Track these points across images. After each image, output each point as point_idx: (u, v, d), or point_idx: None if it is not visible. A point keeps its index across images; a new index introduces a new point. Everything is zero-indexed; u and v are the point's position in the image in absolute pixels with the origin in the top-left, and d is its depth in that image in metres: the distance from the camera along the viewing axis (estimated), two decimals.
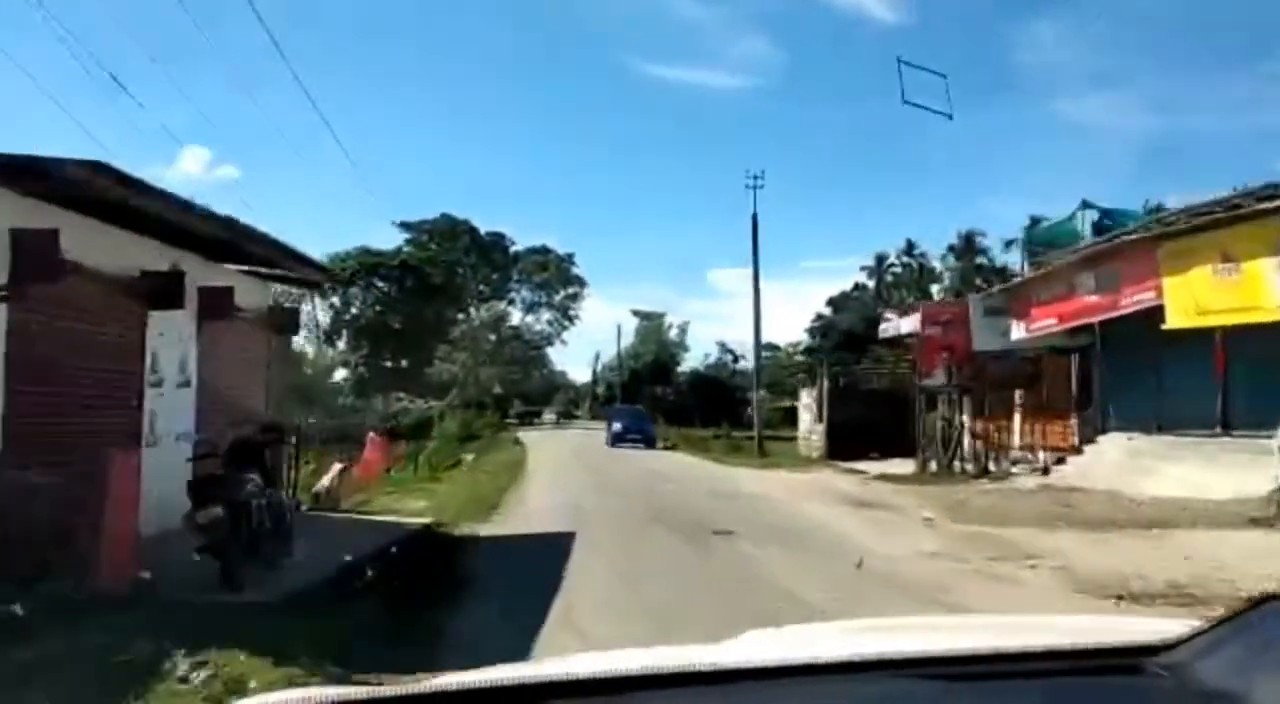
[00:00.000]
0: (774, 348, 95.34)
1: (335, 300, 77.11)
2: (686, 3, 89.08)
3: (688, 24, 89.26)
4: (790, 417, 48.67)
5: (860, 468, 26.23)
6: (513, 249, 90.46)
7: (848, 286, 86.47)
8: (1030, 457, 22.84)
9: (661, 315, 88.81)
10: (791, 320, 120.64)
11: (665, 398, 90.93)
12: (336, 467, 16.98)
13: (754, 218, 39.53)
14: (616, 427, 43.47)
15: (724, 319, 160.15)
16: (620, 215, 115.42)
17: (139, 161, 55.85)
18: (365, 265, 75.25)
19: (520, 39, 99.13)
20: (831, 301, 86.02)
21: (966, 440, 24.22)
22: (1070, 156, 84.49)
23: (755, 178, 39.52)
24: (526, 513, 16.27)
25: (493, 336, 68.20)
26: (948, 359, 22.85)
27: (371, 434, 22.94)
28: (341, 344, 76.39)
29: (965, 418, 23.85)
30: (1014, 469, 22.62)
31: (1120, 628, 2.01)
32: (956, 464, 23.82)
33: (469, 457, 29.63)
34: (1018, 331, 22.11)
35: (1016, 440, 23.67)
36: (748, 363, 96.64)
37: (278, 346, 14.44)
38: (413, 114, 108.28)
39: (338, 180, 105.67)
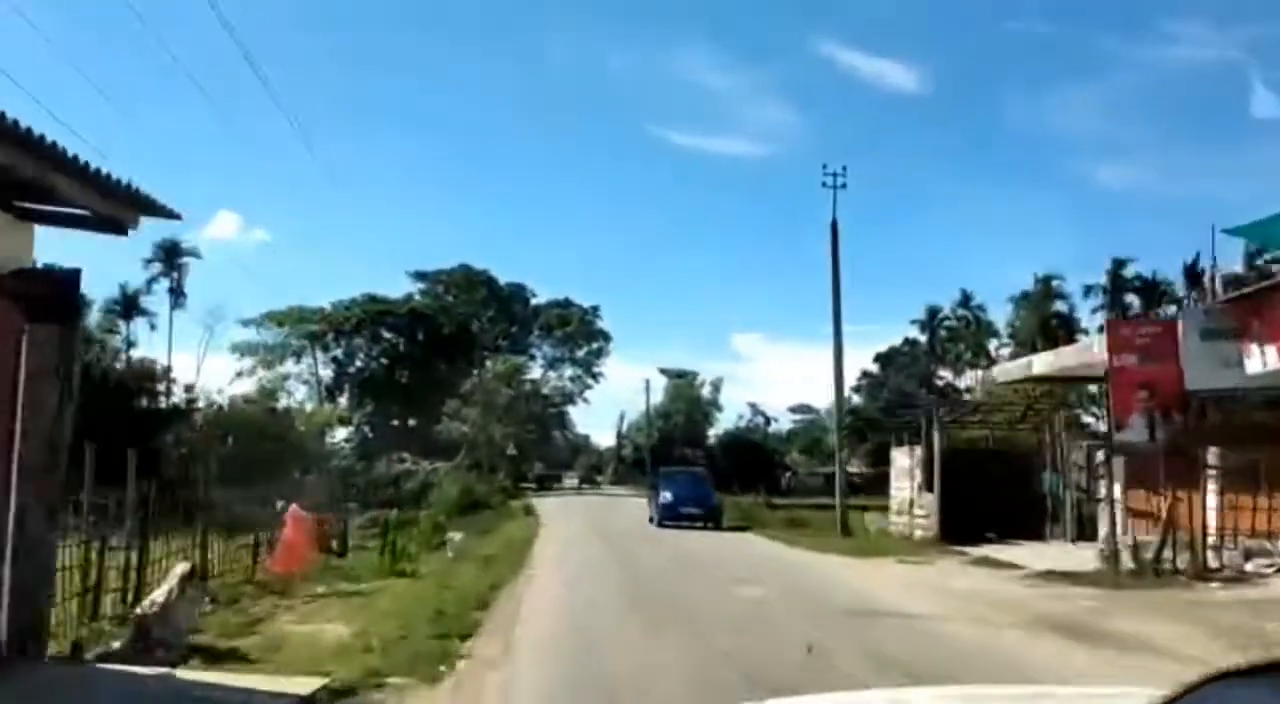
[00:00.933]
0: (809, 410, 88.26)
1: (338, 353, 70.64)
2: (707, 71, 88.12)
3: (708, 92, 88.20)
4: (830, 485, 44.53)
5: (996, 556, 18.92)
6: (533, 302, 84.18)
7: (894, 342, 79.13)
8: (1271, 546, 15.45)
9: (694, 374, 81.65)
10: (822, 383, 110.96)
11: (696, 461, 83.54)
12: (180, 568, 9.85)
13: (833, 224, 32.07)
14: (667, 497, 31.69)
15: (745, 383, 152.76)
16: (640, 279, 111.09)
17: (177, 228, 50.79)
18: (371, 314, 68.88)
19: (539, 99, 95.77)
20: (880, 358, 78.68)
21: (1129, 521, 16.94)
22: (1089, 218, 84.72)
23: (835, 175, 31.92)
24: (513, 668, 8.98)
25: (507, 391, 61.38)
26: (1148, 401, 15.47)
27: (294, 508, 15.77)
28: (344, 400, 69.70)
29: (1164, 491, 16.44)
30: (1249, 565, 15.22)
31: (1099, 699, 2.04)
32: (1138, 555, 16.32)
33: (455, 536, 22.29)
34: (1256, 363, 14.80)
35: (1213, 520, 16.23)
36: (780, 425, 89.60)
37: (45, 341, 7.38)
38: (431, 174, 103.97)
39: (354, 236, 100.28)
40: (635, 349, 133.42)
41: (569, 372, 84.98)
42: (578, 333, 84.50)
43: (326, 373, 70.29)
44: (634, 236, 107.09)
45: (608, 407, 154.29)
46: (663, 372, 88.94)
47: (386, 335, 71.34)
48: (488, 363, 63.65)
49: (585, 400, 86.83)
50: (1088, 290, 61.07)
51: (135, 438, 43.47)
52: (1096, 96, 78.60)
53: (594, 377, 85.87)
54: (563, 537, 24.58)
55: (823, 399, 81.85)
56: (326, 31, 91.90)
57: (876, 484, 49.76)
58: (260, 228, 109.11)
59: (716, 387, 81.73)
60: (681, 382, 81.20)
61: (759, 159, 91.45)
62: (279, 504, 19.29)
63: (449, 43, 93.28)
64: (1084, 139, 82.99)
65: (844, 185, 31.91)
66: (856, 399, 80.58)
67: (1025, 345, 69.44)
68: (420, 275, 76.24)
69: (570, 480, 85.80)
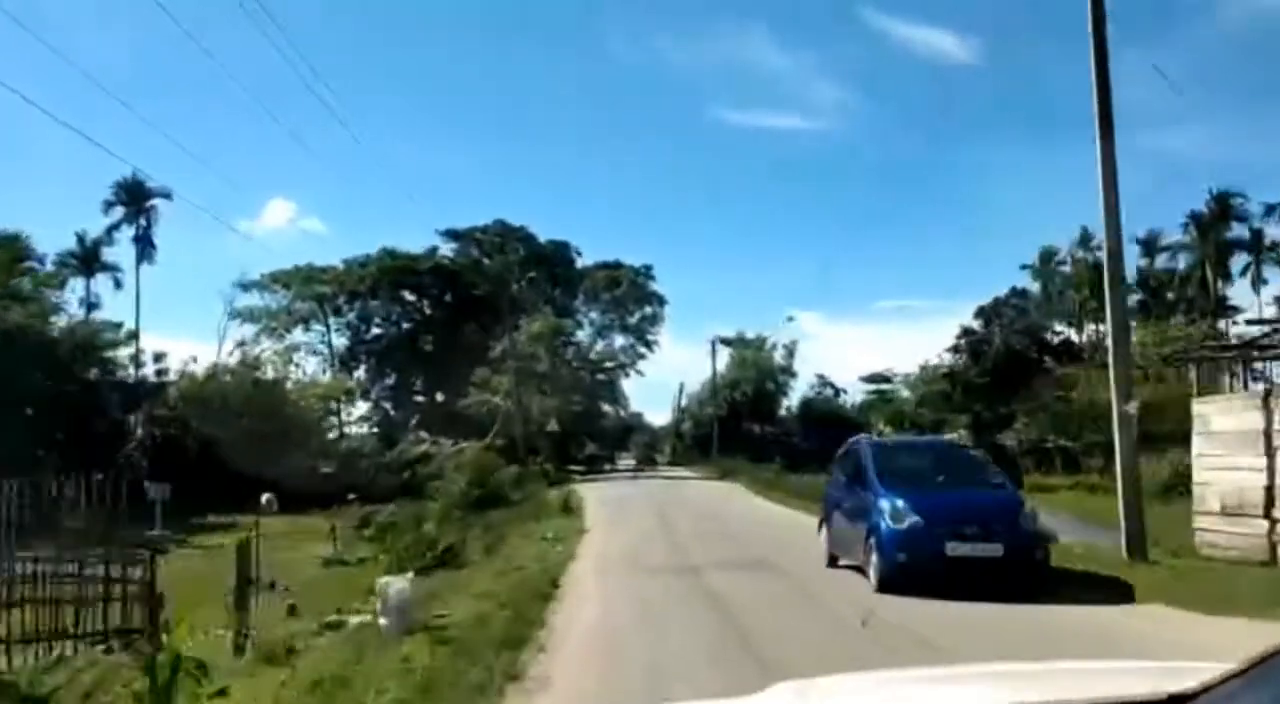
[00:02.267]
0: (885, 379, 77.09)
1: (352, 318, 61.21)
2: (760, 50, 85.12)
3: (760, 71, 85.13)
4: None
5: None
6: (579, 264, 74.18)
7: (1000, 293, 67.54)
8: None
9: (762, 338, 71.04)
10: (863, 361, 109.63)
11: (768, 438, 73.10)
12: None
13: None
14: (901, 512, 11.74)
15: (803, 360, 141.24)
16: (693, 257, 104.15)
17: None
18: (389, 272, 59.23)
19: (592, 83, 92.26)
20: (983, 312, 67.30)
21: None
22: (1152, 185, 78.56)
23: None
24: None
25: (546, 355, 51.66)
26: None
27: None
28: (361, 372, 60.38)
29: None
30: None
31: (1146, 673, 1.93)
32: None
33: (392, 582, 12.17)
34: None
35: None
36: (849, 397, 78.48)
37: None
38: (482, 157, 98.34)
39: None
40: (684, 330, 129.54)
41: (620, 341, 75.01)
42: (629, 296, 74.19)
43: (341, 342, 61.02)
44: (682, 215, 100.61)
45: (659, 386, 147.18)
46: (724, 342, 78.83)
47: (409, 297, 61.76)
48: (523, 324, 53.43)
49: (639, 371, 76.72)
50: (1269, 210, 49.69)
51: (78, 417, 33.19)
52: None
53: (648, 345, 75.67)
54: (623, 587, 13.46)
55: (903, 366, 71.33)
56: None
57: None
58: (313, 216, 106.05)
59: (790, 351, 70.98)
60: (749, 348, 70.69)
61: (811, 135, 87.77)
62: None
63: (504, 30, 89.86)
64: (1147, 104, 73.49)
65: None
66: (952, 360, 69.55)
67: (1185, 284, 58.43)
68: (452, 234, 66.30)
69: (625, 461, 75.86)
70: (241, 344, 59.12)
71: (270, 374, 44.77)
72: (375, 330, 60.77)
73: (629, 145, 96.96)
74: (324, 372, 60.32)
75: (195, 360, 44.22)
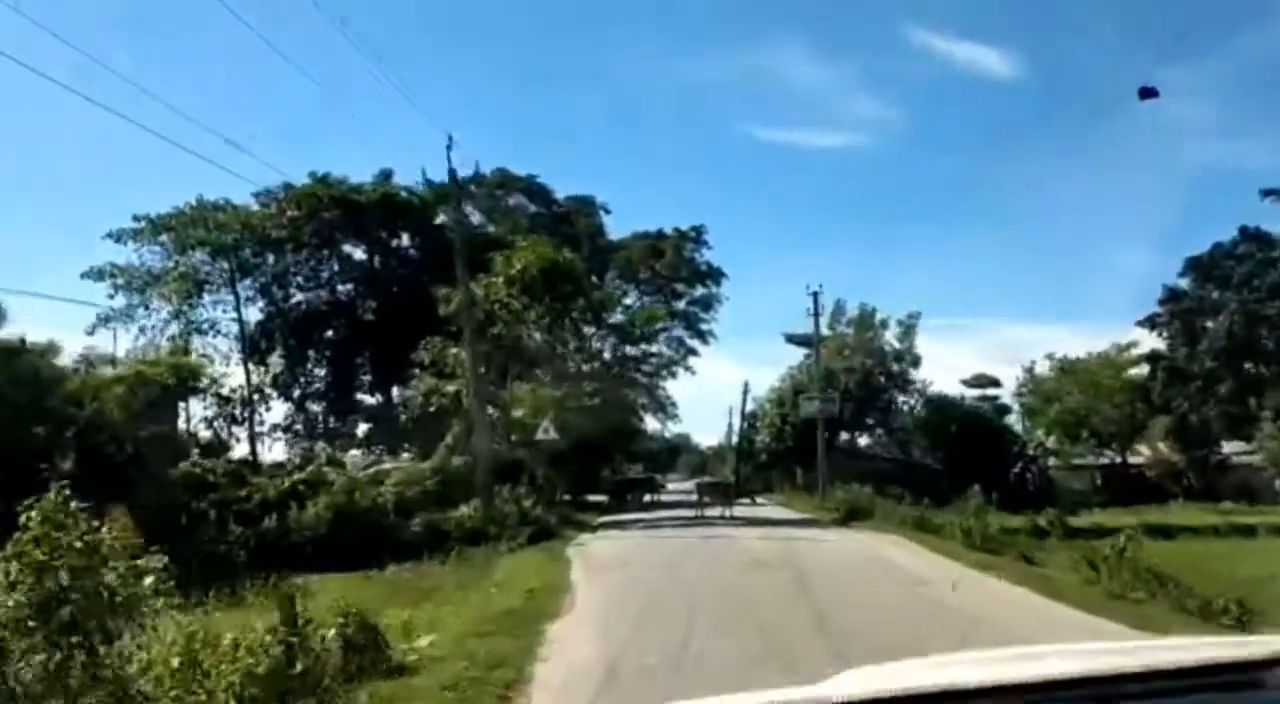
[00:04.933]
0: (992, 382, 55.48)
1: (266, 280, 41.23)
2: (798, 66, 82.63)
3: (798, 87, 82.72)
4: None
5: None
6: (610, 234, 53.93)
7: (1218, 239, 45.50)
8: None
9: (871, 308, 50.13)
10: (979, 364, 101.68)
11: (878, 455, 51.75)
12: None
13: None
14: None
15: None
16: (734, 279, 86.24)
17: None
18: (310, 201, 39.15)
19: (621, 103, 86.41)
20: (1198, 266, 45.67)
21: None
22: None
23: None
24: None
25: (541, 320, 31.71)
26: None
27: None
28: (277, 358, 40.34)
29: None
30: None
31: (1224, 645, 2.01)
32: None
33: None
34: None
35: None
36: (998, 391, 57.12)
37: None
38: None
39: None
40: (727, 350, 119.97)
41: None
42: (674, 267, 53.62)
43: (255, 315, 41.10)
44: (727, 232, 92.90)
45: (703, 408, 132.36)
46: (789, 339, 58.26)
47: (355, 253, 41.85)
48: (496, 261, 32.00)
49: (689, 370, 56.15)
50: None
51: None
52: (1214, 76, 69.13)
53: (701, 336, 55.05)
54: None
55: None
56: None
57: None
58: None
59: (910, 326, 49.66)
60: (852, 325, 49.79)
61: (852, 151, 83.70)
62: None
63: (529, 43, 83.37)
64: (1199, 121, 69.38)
65: None
66: (1155, 341, 47.86)
67: None
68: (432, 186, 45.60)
69: (678, 483, 55.82)
70: (105, 321, 39.65)
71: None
72: (298, 297, 40.83)
73: (655, 161, 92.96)
74: (226, 361, 40.51)
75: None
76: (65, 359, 27.92)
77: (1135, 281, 74.02)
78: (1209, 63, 72.58)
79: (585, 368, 38.16)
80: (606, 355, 47.93)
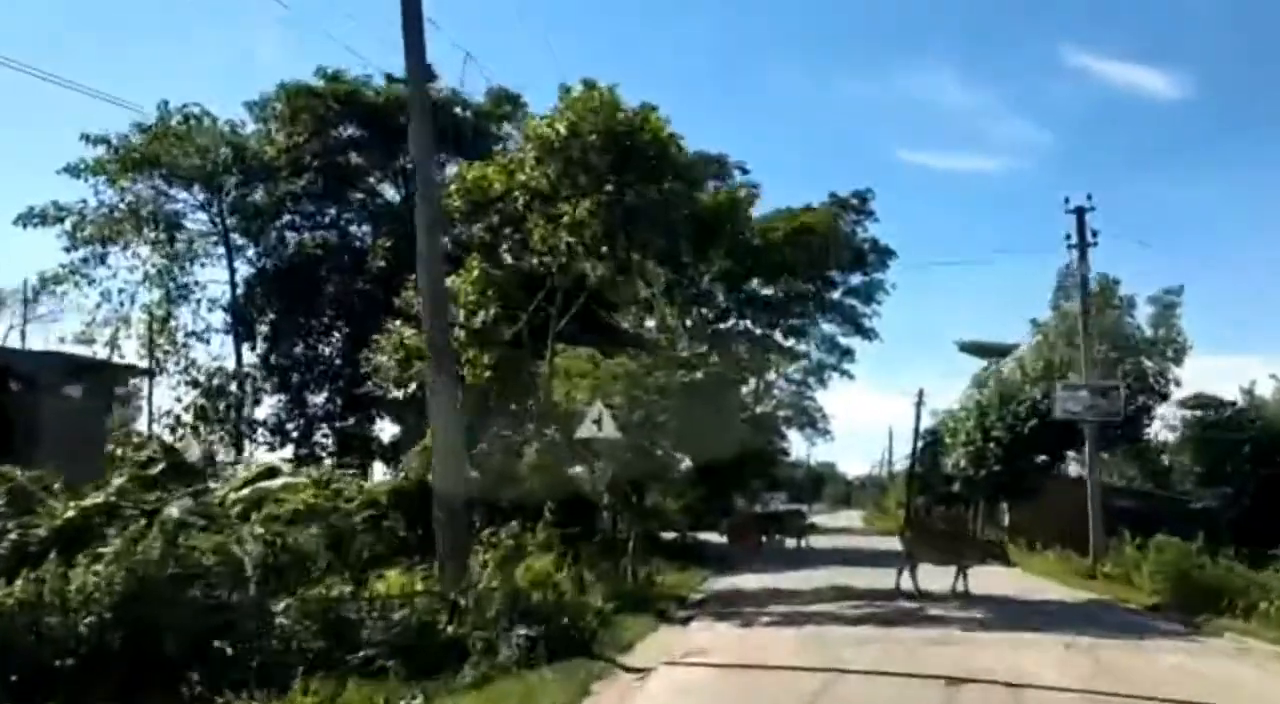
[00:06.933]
0: (1213, 404, 39.13)
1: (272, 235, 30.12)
2: (951, 91, 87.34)
3: (952, 112, 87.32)
4: None
5: None
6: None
7: None
8: None
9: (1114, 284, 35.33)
10: None
11: (1123, 489, 36.03)
12: None
13: None
14: None
15: None
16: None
17: None
18: (310, 106, 27.57)
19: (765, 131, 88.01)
20: None
21: None
22: None
23: None
24: None
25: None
26: None
27: None
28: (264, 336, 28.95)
29: None
30: None
31: None
32: None
33: None
34: None
35: None
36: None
37: None
38: None
39: None
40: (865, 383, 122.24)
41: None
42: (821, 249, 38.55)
43: (245, 271, 29.87)
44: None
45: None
46: (963, 348, 43.92)
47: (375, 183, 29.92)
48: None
49: (848, 375, 42.35)
50: None
51: None
52: None
53: (865, 334, 40.32)
54: None
55: None
56: None
57: None
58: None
59: (1170, 306, 34.67)
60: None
61: (1007, 175, 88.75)
62: None
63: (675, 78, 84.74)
64: None
65: None
66: None
67: None
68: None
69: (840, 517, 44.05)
70: (52, 283, 29.60)
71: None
72: (293, 239, 29.10)
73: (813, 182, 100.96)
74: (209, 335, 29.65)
75: None
76: None
77: None
78: None
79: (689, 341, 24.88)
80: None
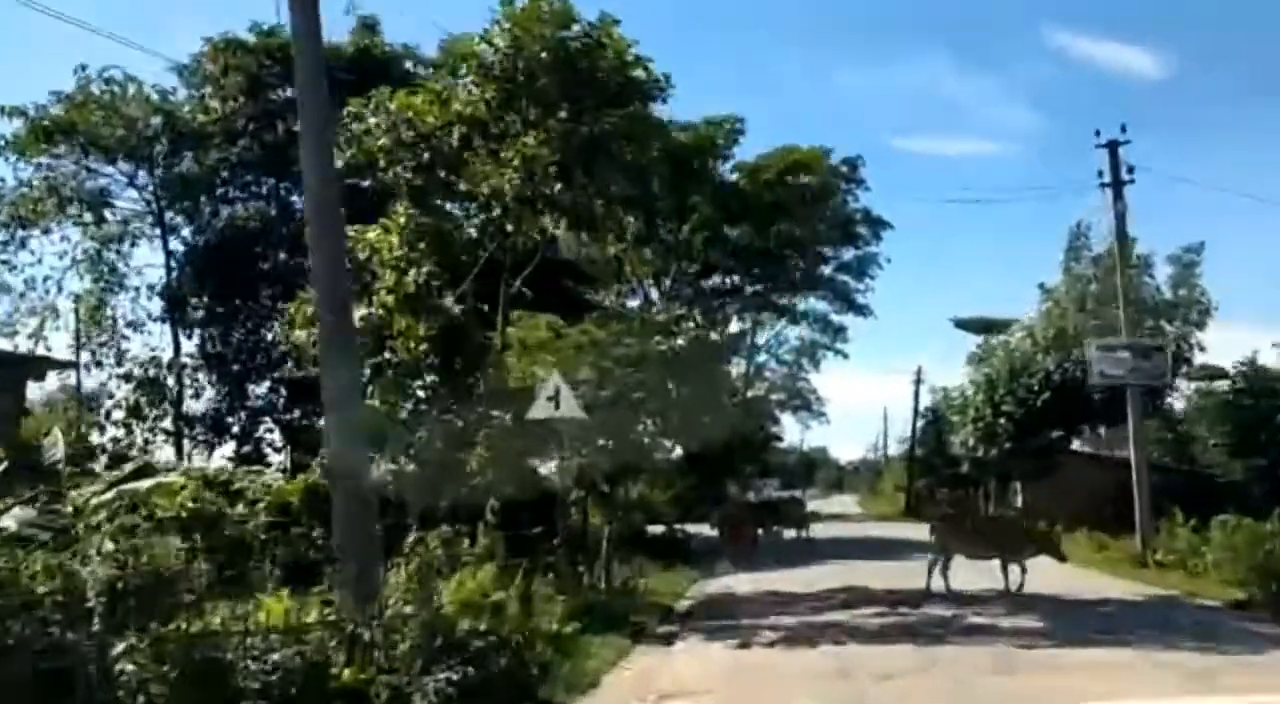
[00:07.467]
0: (1217, 376, 36.75)
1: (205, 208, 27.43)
2: (941, 77, 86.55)
3: (942, 98, 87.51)
4: None
5: None
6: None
7: None
8: None
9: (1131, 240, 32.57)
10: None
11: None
12: None
13: None
14: None
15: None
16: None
17: None
18: (239, 60, 24.88)
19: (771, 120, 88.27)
20: None
21: None
22: None
23: None
24: None
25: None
26: None
27: None
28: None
29: None
30: None
31: None
32: None
33: None
34: None
35: None
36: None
37: None
38: None
39: None
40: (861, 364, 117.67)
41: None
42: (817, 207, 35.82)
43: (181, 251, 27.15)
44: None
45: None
46: (959, 324, 41.37)
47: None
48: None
49: (842, 353, 39.87)
50: None
51: None
52: None
53: (859, 310, 37.58)
54: None
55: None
56: None
57: None
58: None
59: (1190, 266, 32.22)
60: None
61: (998, 158, 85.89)
62: None
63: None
64: None
65: None
66: None
67: None
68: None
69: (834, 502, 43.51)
70: None
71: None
72: (227, 213, 26.33)
73: None
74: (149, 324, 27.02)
75: None
76: None
77: None
78: None
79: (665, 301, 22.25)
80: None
